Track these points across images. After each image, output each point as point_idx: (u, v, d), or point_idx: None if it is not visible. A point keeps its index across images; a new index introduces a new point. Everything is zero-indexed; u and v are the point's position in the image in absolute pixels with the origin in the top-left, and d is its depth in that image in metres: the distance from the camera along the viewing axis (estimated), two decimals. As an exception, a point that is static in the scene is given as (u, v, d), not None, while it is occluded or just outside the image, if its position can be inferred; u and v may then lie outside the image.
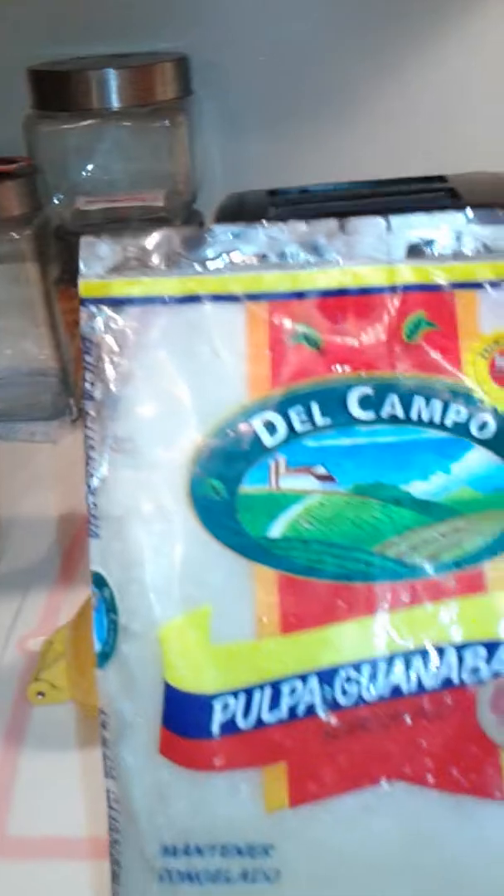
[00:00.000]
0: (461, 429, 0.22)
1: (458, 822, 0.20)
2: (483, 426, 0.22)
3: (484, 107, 0.61)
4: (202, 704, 0.21)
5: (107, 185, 0.58)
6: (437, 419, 0.22)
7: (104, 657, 0.23)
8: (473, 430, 0.22)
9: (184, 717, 0.21)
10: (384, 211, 0.24)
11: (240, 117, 0.62)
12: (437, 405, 0.23)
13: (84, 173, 0.58)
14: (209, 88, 0.60)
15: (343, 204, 0.56)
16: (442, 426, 0.22)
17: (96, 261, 0.24)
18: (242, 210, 0.55)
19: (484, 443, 0.22)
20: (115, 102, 0.55)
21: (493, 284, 0.23)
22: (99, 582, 0.23)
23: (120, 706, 0.22)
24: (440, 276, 0.23)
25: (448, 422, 0.22)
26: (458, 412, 0.22)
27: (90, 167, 0.58)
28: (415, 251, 0.23)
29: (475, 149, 0.60)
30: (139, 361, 0.24)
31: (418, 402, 0.23)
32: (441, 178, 0.57)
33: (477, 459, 0.22)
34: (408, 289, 0.23)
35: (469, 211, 0.23)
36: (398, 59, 0.61)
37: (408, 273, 0.23)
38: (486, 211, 0.23)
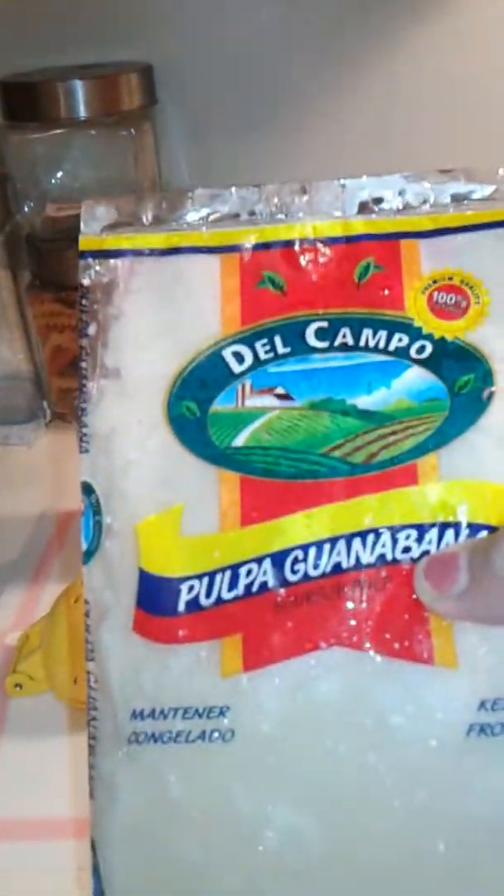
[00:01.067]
0: (402, 352, 0.26)
1: (391, 684, 0.22)
2: (421, 350, 0.26)
3: (447, 108, 0.63)
4: (171, 586, 0.24)
5: (76, 193, 0.60)
6: (381, 345, 0.26)
7: (89, 554, 0.26)
8: (412, 353, 0.26)
9: (155, 597, 0.24)
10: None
11: (204, 124, 0.65)
12: (383, 334, 0.26)
13: (53, 181, 0.61)
14: (173, 97, 0.63)
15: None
16: (386, 351, 0.26)
17: (94, 220, 0.28)
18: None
19: (420, 363, 0.25)
20: (83, 112, 0.58)
21: (432, 233, 0.27)
22: (87, 489, 0.26)
23: (101, 595, 0.25)
24: (387, 228, 0.27)
25: (391, 347, 0.26)
26: (399, 339, 0.26)
27: (59, 175, 0.61)
28: (365, 207, 0.27)
29: (437, 149, 0.60)
30: (127, 303, 0.28)
31: (366, 332, 0.26)
32: None
33: (414, 376, 0.25)
34: (360, 238, 0.27)
35: (411, 173, 0.27)
36: (360, 63, 0.63)
37: (359, 226, 0.27)
38: (425, 171, 0.27)
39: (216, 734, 0.23)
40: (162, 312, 0.27)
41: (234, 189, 0.28)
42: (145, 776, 0.23)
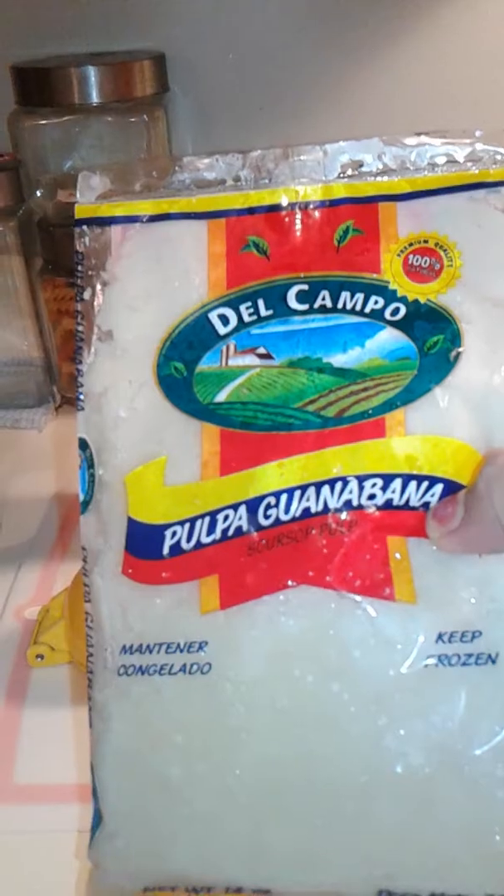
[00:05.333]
0: (377, 314, 0.29)
1: (353, 618, 0.26)
2: (395, 312, 0.29)
3: (455, 100, 0.64)
4: (156, 532, 0.28)
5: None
6: (358, 307, 0.29)
7: (85, 505, 0.30)
8: (387, 315, 0.29)
9: (141, 543, 0.28)
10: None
11: (214, 112, 0.67)
12: (360, 297, 0.29)
13: (66, 167, 0.64)
14: (184, 85, 0.66)
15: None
16: (362, 313, 0.29)
17: (89, 190, 0.32)
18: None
19: (394, 324, 0.28)
20: (96, 98, 0.61)
21: (409, 195, 0.29)
22: (83, 445, 0.30)
23: (95, 542, 0.29)
24: (366, 191, 0.30)
25: (367, 309, 0.29)
26: (375, 301, 0.29)
27: (71, 161, 0.64)
28: (346, 171, 0.30)
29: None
30: (119, 268, 0.31)
31: (344, 295, 0.29)
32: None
33: (386, 336, 0.28)
34: (340, 202, 0.30)
35: (389, 136, 0.30)
36: (368, 52, 0.66)
37: (340, 189, 0.30)
38: (403, 135, 0.30)
39: (195, 667, 0.26)
40: (152, 276, 0.31)
41: (218, 156, 0.31)
42: (133, 705, 0.27)
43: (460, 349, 0.28)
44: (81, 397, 0.31)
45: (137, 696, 0.27)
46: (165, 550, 0.27)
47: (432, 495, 0.26)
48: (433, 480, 0.26)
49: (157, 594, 0.27)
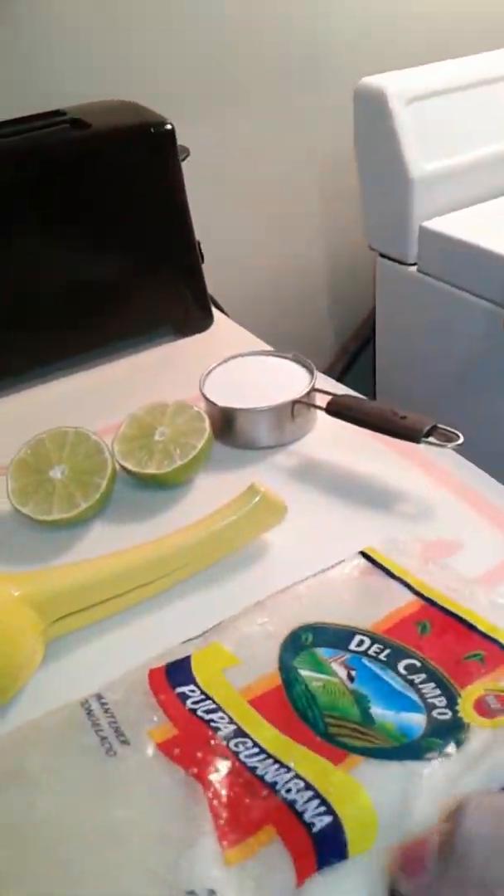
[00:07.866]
0: (430, 706, 0.35)
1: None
2: (443, 713, 0.34)
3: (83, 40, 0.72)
4: None
5: None
6: (427, 693, 0.36)
7: None
8: (435, 710, 0.35)
9: None
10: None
11: None
12: (438, 691, 0.36)
13: None
14: None
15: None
16: (422, 697, 0.35)
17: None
18: None
19: (433, 717, 0.34)
20: None
21: None
22: None
23: None
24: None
25: (429, 698, 0.35)
26: (440, 699, 0.35)
27: None
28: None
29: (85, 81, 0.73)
30: None
31: (429, 686, 0.36)
32: (59, 112, 0.65)
33: (417, 720, 0.34)
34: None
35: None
36: None
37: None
38: None
39: None
40: None
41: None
42: None
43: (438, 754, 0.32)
44: None
45: None
46: None
47: (320, 821, 0.31)
48: (328, 815, 0.31)
49: None
